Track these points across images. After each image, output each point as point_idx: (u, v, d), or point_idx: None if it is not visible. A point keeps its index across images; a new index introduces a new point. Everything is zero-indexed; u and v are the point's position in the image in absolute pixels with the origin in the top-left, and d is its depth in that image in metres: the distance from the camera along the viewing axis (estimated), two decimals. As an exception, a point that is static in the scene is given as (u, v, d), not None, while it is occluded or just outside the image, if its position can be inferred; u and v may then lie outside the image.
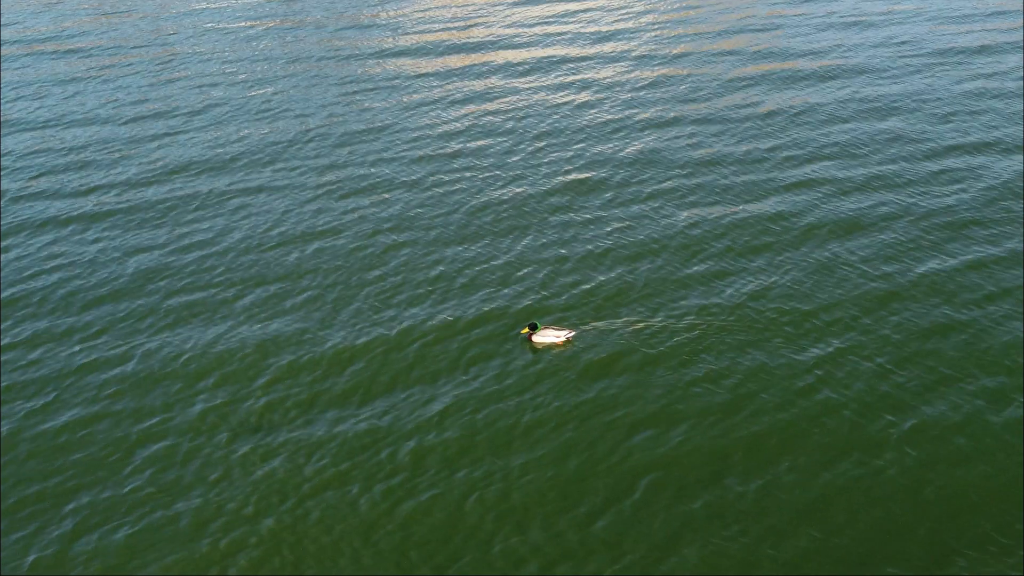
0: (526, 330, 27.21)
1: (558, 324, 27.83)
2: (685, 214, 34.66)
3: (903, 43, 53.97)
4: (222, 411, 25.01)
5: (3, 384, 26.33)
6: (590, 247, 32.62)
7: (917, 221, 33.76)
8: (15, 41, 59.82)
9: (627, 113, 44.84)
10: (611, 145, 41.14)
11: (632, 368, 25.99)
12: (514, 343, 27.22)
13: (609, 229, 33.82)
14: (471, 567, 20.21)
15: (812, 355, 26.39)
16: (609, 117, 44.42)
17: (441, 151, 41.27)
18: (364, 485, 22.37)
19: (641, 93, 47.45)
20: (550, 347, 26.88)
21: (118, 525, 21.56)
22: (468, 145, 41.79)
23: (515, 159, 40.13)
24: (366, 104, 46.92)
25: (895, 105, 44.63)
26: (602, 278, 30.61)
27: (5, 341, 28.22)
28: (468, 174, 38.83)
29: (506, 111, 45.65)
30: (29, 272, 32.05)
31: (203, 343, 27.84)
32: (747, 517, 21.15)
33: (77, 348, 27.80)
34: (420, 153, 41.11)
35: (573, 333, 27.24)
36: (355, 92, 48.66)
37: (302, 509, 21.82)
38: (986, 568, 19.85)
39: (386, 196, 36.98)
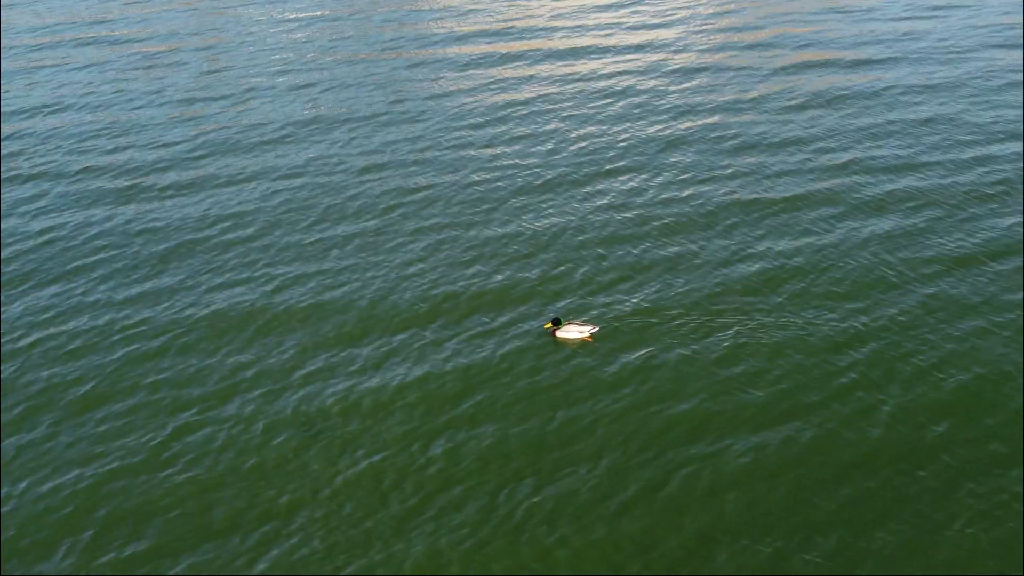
0: (549, 325, 27.25)
1: (581, 319, 27.84)
2: (717, 199, 34.89)
3: (945, 38, 53.70)
4: (253, 389, 25.58)
5: (42, 352, 27.25)
6: (621, 232, 32.89)
7: (947, 205, 34.04)
8: (65, 28, 61.08)
9: (667, 100, 45.07)
10: (648, 131, 41.34)
11: (655, 359, 26.21)
12: (539, 332, 27.44)
13: (639, 215, 34.11)
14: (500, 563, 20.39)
15: (843, 335, 26.77)
16: (648, 104, 44.61)
17: (479, 137, 41.77)
18: (396, 478, 22.54)
19: (681, 82, 47.52)
20: (573, 343, 26.92)
21: (144, 499, 22.24)
22: (506, 131, 42.18)
23: (550, 145, 40.48)
24: (407, 91, 47.41)
25: (935, 94, 44.64)
26: (631, 265, 30.87)
27: (48, 315, 29.14)
28: (504, 160, 39.21)
29: (545, 99, 45.93)
30: (70, 247, 33.00)
31: (236, 314, 28.66)
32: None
33: (110, 318, 28.64)
34: (458, 138, 41.66)
35: (596, 329, 27.15)
36: (397, 80, 49.21)
37: (335, 500, 22.08)
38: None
39: (422, 180, 37.47)
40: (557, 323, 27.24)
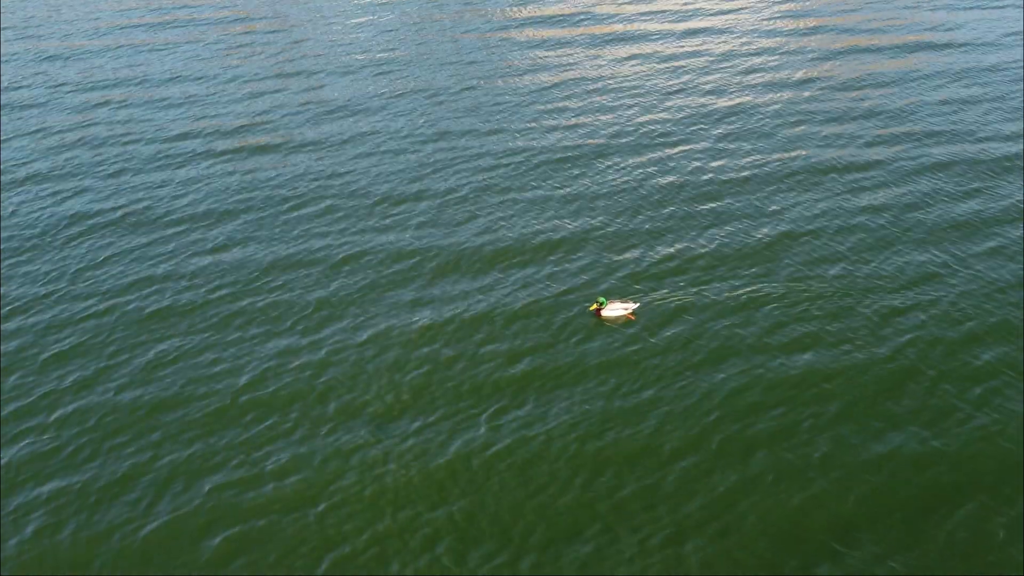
0: (594, 306, 27.56)
1: (623, 296, 28.42)
2: (770, 179, 35.81)
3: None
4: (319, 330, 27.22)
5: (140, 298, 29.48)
6: (673, 207, 34.04)
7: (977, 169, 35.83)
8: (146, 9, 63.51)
9: (723, 78, 46.28)
10: (708, 106, 42.34)
11: (703, 327, 27.18)
12: (586, 304, 28.40)
13: (690, 190, 35.36)
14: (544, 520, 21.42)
15: (889, 311, 27.76)
16: (708, 82, 45.63)
17: (542, 111, 43.45)
18: (442, 441, 23.62)
19: (738, 63, 48.41)
20: (617, 320, 27.43)
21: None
22: (570, 106, 43.73)
23: (613, 126, 41.59)
24: (477, 74, 48.81)
25: (986, 75, 45.88)
26: (682, 237, 31.91)
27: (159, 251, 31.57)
28: (567, 137, 40.53)
29: (607, 82, 47.12)
30: (158, 198, 35.94)
31: (305, 260, 30.41)
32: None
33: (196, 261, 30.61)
34: (520, 113, 43.30)
35: (637, 305, 27.72)
36: (467, 64, 50.61)
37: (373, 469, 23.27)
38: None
39: (485, 158, 38.84)
40: (601, 304, 27.52)
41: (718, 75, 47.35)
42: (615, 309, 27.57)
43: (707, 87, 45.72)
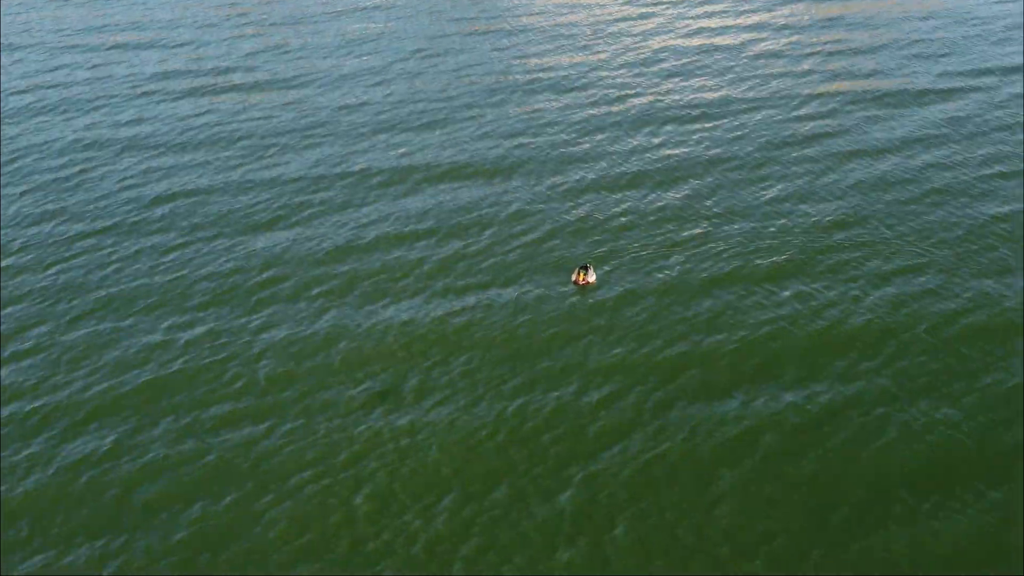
0: (582, 275, 27.10)
1: (584, 264, 27.99)
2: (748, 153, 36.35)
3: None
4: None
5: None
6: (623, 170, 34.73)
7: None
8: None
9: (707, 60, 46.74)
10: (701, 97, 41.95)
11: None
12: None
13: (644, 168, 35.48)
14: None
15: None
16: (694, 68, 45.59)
17: (509, 99, 43.36)
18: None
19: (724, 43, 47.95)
20: (592, 285, 27.20)
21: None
22: (540, 93, 43.84)
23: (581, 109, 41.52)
24: (481, 60, 48.70)
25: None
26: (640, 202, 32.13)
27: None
28: (538, 126, 40.39)
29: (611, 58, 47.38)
30: (145, 185, 35.99)
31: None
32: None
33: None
34: (516, 91, 43.77)
35: (591, 267, 27.46)
36: (467, 51, 50.42)
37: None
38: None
39: (487, 142, 38.80)
40: (585, 269, 27.19)
41: (689, 59, 47.71)
42: (591, 275, 27.31)
43: (676, 73, 45.96)
